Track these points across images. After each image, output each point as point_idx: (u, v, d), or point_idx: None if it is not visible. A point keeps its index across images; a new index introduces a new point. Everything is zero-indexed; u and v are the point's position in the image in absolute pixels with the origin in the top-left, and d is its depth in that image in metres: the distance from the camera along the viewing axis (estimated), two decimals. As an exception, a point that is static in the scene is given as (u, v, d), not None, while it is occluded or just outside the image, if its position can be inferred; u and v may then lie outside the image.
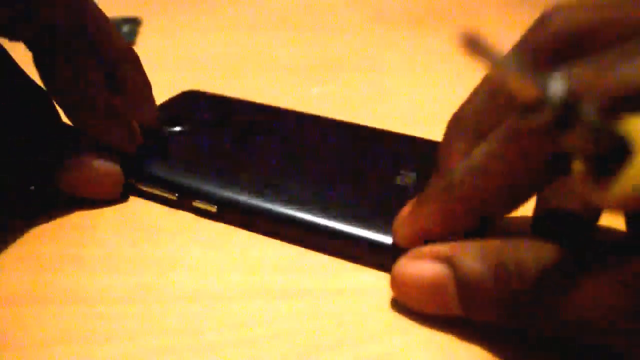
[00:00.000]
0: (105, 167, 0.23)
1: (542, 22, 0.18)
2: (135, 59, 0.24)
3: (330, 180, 0.23)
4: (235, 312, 0.19)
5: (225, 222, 0.23)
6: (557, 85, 0.12)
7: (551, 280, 0.15)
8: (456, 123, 0.20)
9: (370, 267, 0.21)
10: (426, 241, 0.18)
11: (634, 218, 0.17)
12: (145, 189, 0.24)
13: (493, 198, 0.17)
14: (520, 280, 0.16)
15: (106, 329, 0.18)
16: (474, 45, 0.11)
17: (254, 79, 0.36)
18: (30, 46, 0.21)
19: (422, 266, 0.18)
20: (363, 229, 0.21)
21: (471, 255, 0.17)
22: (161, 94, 0.28)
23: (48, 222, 0.22)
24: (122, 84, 0.23)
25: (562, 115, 0.12)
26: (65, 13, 0.21)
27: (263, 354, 0.17)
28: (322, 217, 0.21)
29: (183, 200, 0.23)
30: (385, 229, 0.20)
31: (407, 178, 0.23)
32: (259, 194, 0.22)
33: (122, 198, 0.24)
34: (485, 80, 0.20)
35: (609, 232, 0.20)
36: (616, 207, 0.13)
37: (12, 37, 0.21)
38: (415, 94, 0.35)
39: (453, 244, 0.18)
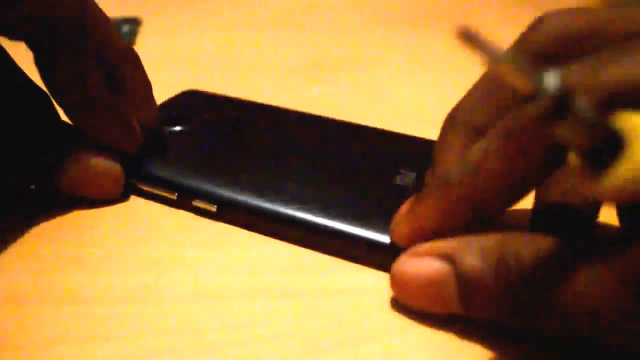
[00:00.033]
0: (105, 166, 0.23)
1: (534, 26, 0.19)
2: (135, 59, 0.24)
3: (330, 180, 0.23)
4: (235, 312, 0.19)
5: (225, 222, 0.23)
6: (551, 78, 0.12)
7: (551, 275, 0.15)
8: (452, 120, 0.20)
9: (371, 267, 0.21)
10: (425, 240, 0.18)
11: (627, 211, 0.18)
12: (145, 188, 0.24)
13: (492, 195, 0.17)
14: (520, 275, 0.16)
15: (106, 329, 0.18)
16: (472, 38, 0.12)
17: (254, 79, 0.36)
18: (30, 46, 0.21)
19: (421, 263, 0.18)
20: (363, 228, 0.21)
21: (471, 252, 0.17)
22: (161, 94, 0.28)
23: (48, 222, 0.22)
24: (122, 84, 0.23)
25: (556, 107, 0.12)
26: (66, 13, 0.21)
27: (263, 354, 0.17)
28: (322, 217, 0.21)
29: (183, 199, 0.23)
30: (385, 228, 0.20)
31: (407, 178, 0.23)
32: (259, 193, 0.22)
33: (122, 198, 0.24)
34: (481, 79, 0.20)
35: (609, 227, 0.20)
36: (608, 199, 0.14)
37: (13, 37, 0.21)
38: (415, 94, 0.35)
39: (452, 240, 0.18)
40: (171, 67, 0.37)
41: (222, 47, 0.41)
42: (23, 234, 0.22)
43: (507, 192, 0.17)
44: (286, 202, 0.22)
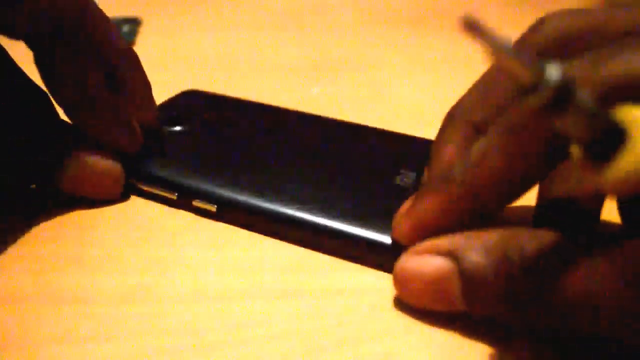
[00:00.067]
0: (105, 166, 0.23)
1: (535, 27, 0.19)
2: (135, 59, 0.24)
3: (330, 180, 0.23)
4: (235, 312, 0.19)
5: (225, 222, 0.23)
6: (553, 69, 0.12)
7: (553, 270, 0.15)
8: (451, 117, 0.20)
9: (371, 267, 0.21)
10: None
11: (628, 204, 0.18)
12: (145, 188, 0.24)
13: (494, 192, 0.17)
14: (523, 270, 0.16)
15: (106, 329, 0.18)
16: (475, 28, 0.12)
17: (254, 79, 0.36)
18: (30, 45, 0.21)
19: (424, 261, 0.18)
20: (363, 228, 0.21)
21: (474, 249, 0.17)
22: (161, 94, 0.28)
23: (48, 222, 0.22)
24: (122, 84, 0.23)
25: (557, 98, 0.12)
26: (66, 13, 0.21)
27: (263, 354, 0.17)
28: (322, 217, 0.21)
29: (183, 199, 0.23)
30: (385, 228, 0.20)
31: (407, 178, 0.23)
32: (259, 193, 0.22)
33: (122, 198, 0.24)
34: (481, 79, 0.20)
35: (611, 224, 0.20)
36: (611, 191, 0.14)
37: (13, 36, 0.21)
38: (415, 94, 0.35)
39: (454, 237, 0.17)
40: (171, 67, 0.37)
41: (222, 47, 0.41)
42: (23, 234, 0.21)
43: (509, 189, 0.17)
44: (286, 202, 0.22)
